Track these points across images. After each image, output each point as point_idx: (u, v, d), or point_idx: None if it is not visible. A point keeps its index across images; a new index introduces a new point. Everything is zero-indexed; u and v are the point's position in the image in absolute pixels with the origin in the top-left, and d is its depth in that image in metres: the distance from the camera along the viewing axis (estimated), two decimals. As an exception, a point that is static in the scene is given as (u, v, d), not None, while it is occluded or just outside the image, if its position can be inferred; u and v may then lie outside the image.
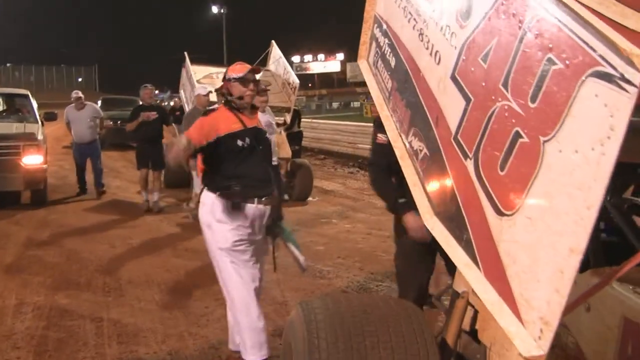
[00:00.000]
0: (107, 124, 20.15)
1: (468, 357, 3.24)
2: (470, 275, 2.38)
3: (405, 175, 3.18)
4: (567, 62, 1.82)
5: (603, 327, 2.70)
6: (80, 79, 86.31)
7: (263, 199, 5.02)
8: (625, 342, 2.58)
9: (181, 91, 17.00)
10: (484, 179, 2.29)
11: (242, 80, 5.05)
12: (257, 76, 5.28)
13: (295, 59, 78.05)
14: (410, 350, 2.92)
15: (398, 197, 4.65)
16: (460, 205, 2.50)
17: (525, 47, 2.06)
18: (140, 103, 12.91)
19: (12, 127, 13.02)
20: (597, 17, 1.71)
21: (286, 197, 12.10)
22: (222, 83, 5.23)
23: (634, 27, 1.63)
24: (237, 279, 4.95)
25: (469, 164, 2.41)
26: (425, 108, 2.95)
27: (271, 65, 14.81)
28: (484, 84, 2.34)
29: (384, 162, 4.71)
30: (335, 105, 54.77)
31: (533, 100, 1.98)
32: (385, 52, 3.67)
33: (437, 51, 2.86)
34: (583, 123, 1.73)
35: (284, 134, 12.65)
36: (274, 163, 9.28)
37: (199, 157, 5.14)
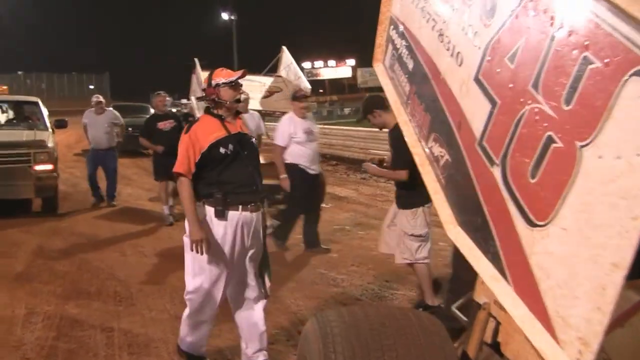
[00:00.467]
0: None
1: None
2: (498, 289, 2.24)
3: (426, 183, 3.04)
4: (607, 60, 1.68)
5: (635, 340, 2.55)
6: (91, 86, 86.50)
7: (249, 205, 4.98)
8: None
9: (192, 97, 16.90)
10: (513, 187, 2.16)
11: (233, 85, 5.02)
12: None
13: (306, 64, 77.91)
14: (431, 365, 2.79)
15: None
16: (487, 215, 2.37)
17: (558, 45, 1.92)
18: (153, 112, 12.71)
19: (23, 135, 12.92)
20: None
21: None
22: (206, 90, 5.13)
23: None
24: (205, 285, 5.05)
25: (496, 171, 2.27)
26: (447, 112, 2.81)
27: (282, 71, 14.68)
28: (511, 85, 2.21)
29: None
30: (346, 111, 54.74)
31: (567, 102, 1.84)
32: (402, 54, 3.54)
33: (458, 52, 2.73)
34: (627, 126, 1.59)
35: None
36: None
37: None
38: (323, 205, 12.31)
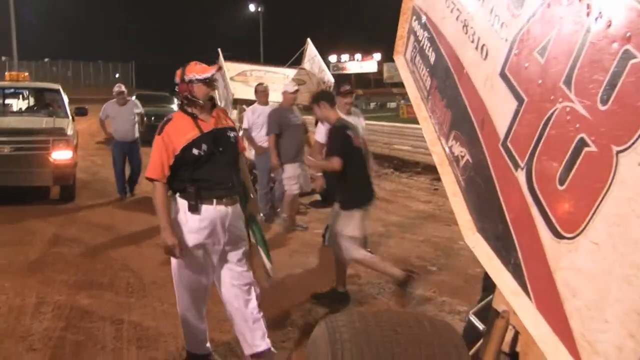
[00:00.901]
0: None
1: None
2: (519, 304, 2.05)
3: (445, 184, 2.86)
4: (652, 54, 1.48)
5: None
6: (117, 75, 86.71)
7: (223, 199, 4.92)
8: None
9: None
10: (539, 193, 1.96)
11: (208, 82, 4.87)
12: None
13: (332, 58, 77.77)
14: (445, 375, 2.64)
15: None
16: (509, 222, 2.17)
17: (595, 37, 1.72)
18: None
19: (42, 122, 12.88)
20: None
21: (316, 197, 11.85)
22: (180, 85, 4.97)
23: None
24: (183, 281, 5.08)
25: (520, 175, 2.08)
26: (469, 109, 2.62)
27: (306, 64, 14.55)
28: (540, 81, 2.01)
29: None
30: (372, 105, 54.53)
31: (604, 101, 1.63)
32: (424, 46, 3.35)
33: (483, 45, 2.53)
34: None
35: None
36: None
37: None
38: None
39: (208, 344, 5.34)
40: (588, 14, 1.77)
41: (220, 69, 4.39)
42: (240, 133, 9.37)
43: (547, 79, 1.97)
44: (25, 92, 15.86)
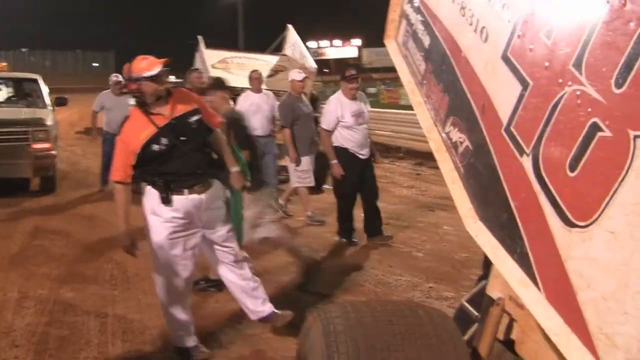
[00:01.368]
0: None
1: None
2: (527, 295, 1.99)
3: (442, 171, 2.79)
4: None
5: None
6: (96, 64, 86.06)
7: (195, 187, 4.91)
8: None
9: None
10: (547, 180, 1.89)
11: (154, 78, 4.73)
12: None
13: (312, 44, 77.60)
14: (442, 365, 2.58)
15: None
16: (514, 210, 2.11)
17: (609, 16, 1.64)
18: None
19: (21, 113, 12.67)
20: None
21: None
22: (127, 82, 4.89)
23: None
24: (163, 273, 5.05)
25: (526, 162, 2.01)
26: (469, 94, 2.55)
27: (288, 50, 14.49)
28: (547, 64, 1.94)
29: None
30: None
31: (619, 84, 1.57)
32: (418, 30, 3.27)
33: (483, 27, 2.46)
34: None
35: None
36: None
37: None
38: (325, 186, 12.12)
39: (194, 337, 5.26)
40: (599, -7, 1.70)
41: (167, 63, 4.22)
42: None
43: (554, 62, 1.90)
44: (4, 83, 15.60)
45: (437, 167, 9.20)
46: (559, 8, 1.93)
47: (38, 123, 12.10)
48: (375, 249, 8.50)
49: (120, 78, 12.60)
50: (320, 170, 12.11)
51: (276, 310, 5.40)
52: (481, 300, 3.12)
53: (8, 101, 14.36)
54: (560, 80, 1.84)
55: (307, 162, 9.87)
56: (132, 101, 12.04)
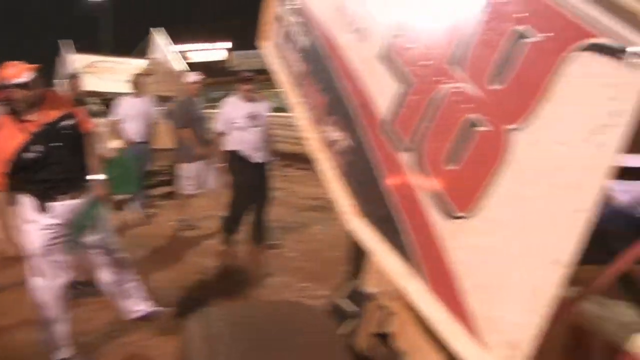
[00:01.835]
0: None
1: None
2: (410, 287, 2.05)
3: (321, 170, 2.83)
4: (546, 33, 1.50)
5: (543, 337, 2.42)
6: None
7: (70, 193, 4.85)
8: (572, 350, 2.30)
9: (57, 81, 16.21)
10: (427, 174, 1.97)
11: (23, 85, 4.61)
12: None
13: (180, 47, 76.89)
14: (322, 361, 2.63)
15: None
16: (394, 205, 2.17)
17: (486, 17, 1.73)
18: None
19: None
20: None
21: (168, 189, 11.47)
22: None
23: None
24: (42, 280, 4.89)
25: (407, 157, 2.08)
26: (348, 93, 2.60)
27: (156, 54, 14.29)
28: (426, 63, 2.01)
29: None
30: (219, 94, 54.34)
31: (495, 81, 1.65)
32: (294, 31, 3.30)
33: (362, 27, 2.51)
34: (570, 108, 1.41)
35: (167, 124, 12.03)
36: None
37: None
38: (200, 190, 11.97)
39: (70, 347, 5.12)
40: (476, -5, 1.79)
41: (37, 69, 4.12)
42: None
43: (432, 60, 1.97)
44: None
45: (305, 169, 9.34)
46: (437, 8, 2.00)
47: None
48: (253, 251, 8.51)
49: None
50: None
51: (156, 308, 5.44)
52: (356, 296, 3.19)
53: None
54: (438, 78, 1.91)
55: (194, 167, 9.58)
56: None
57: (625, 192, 5.11)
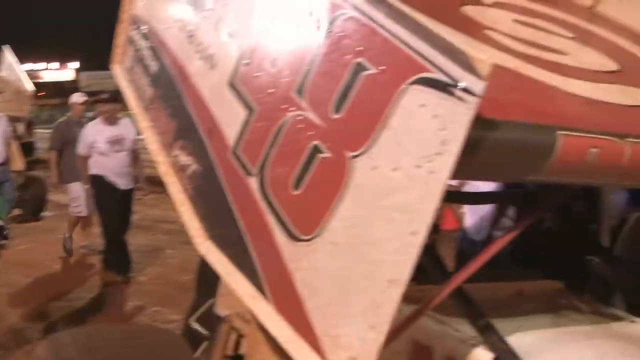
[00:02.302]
0: None
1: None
2: (258, 308, 2.10)
3: (171, 194, 2.84)
4: (382, 67, 1.60)
5: (390, 353, 2.52)
6: None
7: None
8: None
9: None
10: (272, 198, 2.03)
11: None
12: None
13: (27, 66, 74.32)
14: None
15: None
16: (242, 228, 2.21)
17: (327, 49, 1.82)
18: None
19: None
20: (424, 15, 1.51)
21: (16, 212, 11.02)
22: None
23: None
24: None
25: (253, 182, 2.13)
26: (196, 118, 2.63)
27: (3, 72, 13.80)
28: (271, 91, 2.08)
29: None
30: (68, 115, 52.93)
31: (336, 110, 1.74)
32: (145, 56, 3.31)
33: (210, 55, 2.56)
34: (405, 137, 1.51)
35: (15, 144, 11.59)
36: None
37: None
38: (44, 213, 11.58)
39: None
40: (318, 28, 1.87)
41: None
42: None
43: (278, 89, 2.04)
44: None
45: (156, 192, 9.16)
46: (282, 40, 2.08)
47: None
48: (108, 276, 8.29)
49: None
50: (39, 196, 11.61)
51: None
52: (209, 319, 3.21)
53: None
54: (284, 106, 1.98)
55: (77, 188, 9.04)
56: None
57: (472, 216, 5.39)
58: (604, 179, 1.77)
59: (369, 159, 1.61)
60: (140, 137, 8.22)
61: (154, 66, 3.19)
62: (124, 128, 8.23)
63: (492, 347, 1.93)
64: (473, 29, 2.17)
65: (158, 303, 7.18)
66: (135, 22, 3.54)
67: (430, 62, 1.46)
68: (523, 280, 2.72)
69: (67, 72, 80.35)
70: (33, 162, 14.26)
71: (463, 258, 5.52)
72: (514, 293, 2.63)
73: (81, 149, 8.21)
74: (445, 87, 1.41)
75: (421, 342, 2.27)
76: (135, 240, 9.99)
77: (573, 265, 2.85)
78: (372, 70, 1.63)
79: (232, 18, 2.43)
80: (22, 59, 15.81)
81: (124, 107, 8.14)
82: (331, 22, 1.83)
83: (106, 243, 8.38)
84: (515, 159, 1.58)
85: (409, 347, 2.30)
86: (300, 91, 1.91)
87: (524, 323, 2.31)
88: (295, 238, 1.90)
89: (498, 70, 1.38)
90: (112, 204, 8.19)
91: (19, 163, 10.97)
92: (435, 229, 2.87)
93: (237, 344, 2.79)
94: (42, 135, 19.70)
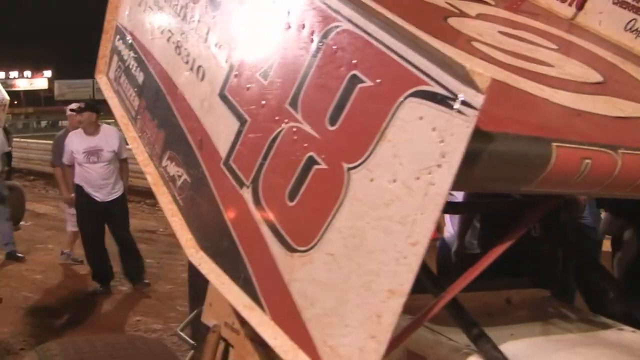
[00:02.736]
0: None
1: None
2: (254, 318, 2.10)
3: (161, 205, 2.84)
4: (379, 80, 1.62)
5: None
6: None
7: None
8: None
9: None
10: (267, 210, 2.04)
11: None
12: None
13: (0, 75, 73.82)
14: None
15: None
16: (235, 239, 2.22)
17: (321, 62, 1.84)
18: None
19: None
20: (421, 28, 1.53)
21: None
22: None
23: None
24: None
25: (246, 193, 2.14)
26: (185, 129, 2.64)
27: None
28: (264, 102, 2.09)
29: None
30: (43, 124, 52.63)
31: (332, 122, 1.76)
32: (131, 66, 3.31)
33: (200, 66, 2.57)
34: (403, 149, 1.53)
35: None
36: None
37: None
38: (22, 223, 11.53)
39: None
40: (311, 41, 1.89)
41: None
42: None
43: (271, 101, 2.06)
44: None
45: (134, 201, 9.17)
46: (276, 51, 2.09)
47: None
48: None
49: None
50: (17, 205, 11.51)
51: None
52: (196, 328, 3.21)
53: None
54: (277, 118, 1.99)
55: None
56: None
57: (452, 226, 5.44)
58: (596, 189, 1.80)
59: (367, 170, 1.62)
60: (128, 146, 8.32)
61: (140, 76, 3.19)
62: (103, 138, 8.04)
63: (486, 356, 1.96)
64: (460, 41, 2.21)
65: (140, 313, 7.19)
66: (120, 32, 3.54)
67: (427, 75, 1.48)
68: (510, 289, 2.76)
69: (40, 80, 80.00)
70: (11, 172, 14.19)
71: (443, 267, 5.60)
72: (503, 301, 2.66)
73: (64, 158, 8.16)
74: (443, 100, 1.43)
75: (415, 352, 2.29)
76: (114, 249, 9.96)
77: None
78: (368, 83, 1.65)
79: (221, 29, 2.44)
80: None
81: (101, 116, 8.28)
82: (324, 35, 1.85)
83: (85, 253, 8.31)
84: (511, 171, 1.61)
85: (402, 356, 2.32)
86: (293, 103, 1.93)
87: (514, 331, 2.35)
88: (291, 249, 1.91)
89: (491, 83, 1.41)
90: (90, 215, 8.07)
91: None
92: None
93: (226, 354, 2.80)
94: (18, 144, 19.60)
